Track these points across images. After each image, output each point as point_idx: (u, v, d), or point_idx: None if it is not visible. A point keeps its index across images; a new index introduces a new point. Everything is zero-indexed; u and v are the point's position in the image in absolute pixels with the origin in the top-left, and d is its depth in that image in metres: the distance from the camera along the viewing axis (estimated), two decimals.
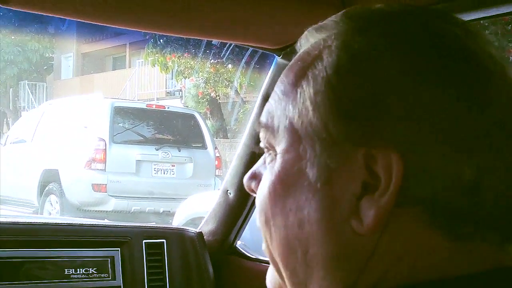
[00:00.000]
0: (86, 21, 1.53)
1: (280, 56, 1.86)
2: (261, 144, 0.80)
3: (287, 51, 1.82)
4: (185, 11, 1.53)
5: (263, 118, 0.79)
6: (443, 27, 0.73)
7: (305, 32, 0.81)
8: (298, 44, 0.83)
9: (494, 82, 0.70)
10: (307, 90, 0.73)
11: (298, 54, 0.80)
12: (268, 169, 0.77)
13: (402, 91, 0.69)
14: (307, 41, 0.80)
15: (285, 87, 0.77)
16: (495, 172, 0.68)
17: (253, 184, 0.84)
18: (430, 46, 0.71)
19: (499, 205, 0.68)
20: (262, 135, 0.80)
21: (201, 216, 5.97)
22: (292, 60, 0.80)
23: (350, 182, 0.70)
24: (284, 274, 0.76)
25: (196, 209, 6.43)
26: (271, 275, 0.82)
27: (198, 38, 2.31)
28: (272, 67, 1.93)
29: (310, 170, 0.72)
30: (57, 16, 1.50)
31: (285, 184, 0.74)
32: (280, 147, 0.75)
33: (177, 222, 6.57)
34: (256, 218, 0.80)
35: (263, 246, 0.82)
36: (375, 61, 0.70)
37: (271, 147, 0.77)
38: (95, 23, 1.55)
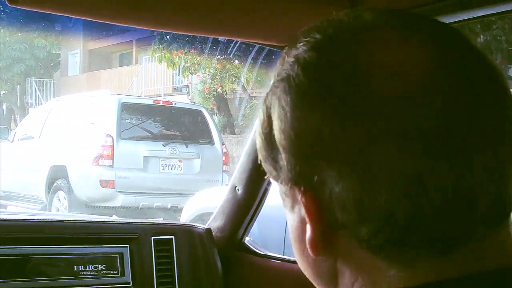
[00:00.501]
0: (93, 20, 1.53)
1: None
2: None
3: None
4: (191, 8, 1.53)
5: None
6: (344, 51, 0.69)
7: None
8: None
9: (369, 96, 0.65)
10: (276, 96, 0.72)
11: None
12: None
13: (283, 125, 0.69)
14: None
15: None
16: (377, 191, 0.65)
17: None
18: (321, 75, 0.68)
19: (412, 226, 0.65)
20: None
21: (209, 211, 5.97)
22: None
23: (301, 208, 0.71)
24: None
25: (204, 204, 6.43)
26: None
27: (204, 35, 2.32)
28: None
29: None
30: (64, 15, 1.51)
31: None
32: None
33: (185, 217, 6.58)
34: None
35: None
36: (278, 93, 0.71)
37: None
38: (102, 22, 1.56)
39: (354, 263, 0.70)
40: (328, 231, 0.68)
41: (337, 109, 0.65)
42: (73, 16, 1.53)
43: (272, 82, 0.73)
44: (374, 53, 0.67)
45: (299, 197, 0.70)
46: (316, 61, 0.69)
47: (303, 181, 0.69)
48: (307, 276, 0.76)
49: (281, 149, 0.70)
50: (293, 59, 0.70)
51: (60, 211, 10.65)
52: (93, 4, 1.45)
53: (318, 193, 0.68)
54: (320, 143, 0.66)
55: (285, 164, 0.70)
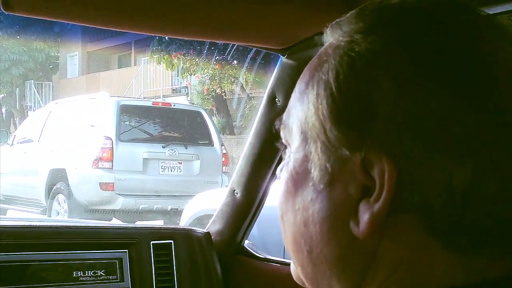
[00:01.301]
0: (89, 26, 1.53)
1: (285, 56, 1.86)
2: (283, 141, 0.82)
3: (292, 51, 1.82)
4: (190, 13, 1.53)
5: (282, 117, 0.81)
6: (454, 27, 0.71)
7: (329, 26, 0.80)
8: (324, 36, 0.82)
9: (497, 86, 0.68)
10: (312, 92, 0.74)
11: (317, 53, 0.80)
12: (285, 166, 0.79)
13: (396, 99, 0.68)
14: (327, 36, 0.80)
15: (300, 86, 0.78)
16: (491, 179, 0.66)
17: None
18: (431, 51, 0.69)
19: (496, 215, 0.67)
20: (281, 132, 0.81)
21: (209, 213, 5.99)
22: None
23: (349, 184, 0.70)
24: (298, 268, 0.78)
25: (204, 206, 6.43)
26: (291, 267, 0.83)
27: (203, 39, 2.32)
28: (277, 67, 1.92)
29: (314, 171, 0.73)
30: (60, 21, 1.51)
31: (295, 183, 0.76)
32: (293, 146, 0.77)
33: (185, 219, 6.58)
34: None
35: None
36: (373, 67, 0.70)
37: (288, 145, 0.79)
38: (99, 27, 1.56)
39: (406, 249, 0.69)
40: (393, 211, 0.68)
41: (471, 100, 0.67)
42: (69, 22, 1.53)
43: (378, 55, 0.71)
44: (493, 47, 0.71)
45: (375, 166, 0.68)
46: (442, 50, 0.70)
47: (393, 155, 0.68)
48: (313, 263, 0.74)
49: (381, 116, 0.68)
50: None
51: (60, 214, 10.67)
52: (88, 10, 1.45)
53: (402, 171, 0.67)
54: (438, 125, 0.67)
55: (377, 132, 0.68)
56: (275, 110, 1.95)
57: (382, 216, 0.68)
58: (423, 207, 0.67)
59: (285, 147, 0.81)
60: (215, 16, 1.56)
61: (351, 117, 0.70)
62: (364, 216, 0.69)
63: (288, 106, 0.80)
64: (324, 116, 0.71)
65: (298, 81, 0.79)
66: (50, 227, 2.15)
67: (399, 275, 0.69)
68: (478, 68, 0.69)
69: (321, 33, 1.62)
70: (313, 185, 0.73)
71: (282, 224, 0.79)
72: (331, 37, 0.78)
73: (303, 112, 0.75)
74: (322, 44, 0.77)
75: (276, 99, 1.94)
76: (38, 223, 2.23)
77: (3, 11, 1.38)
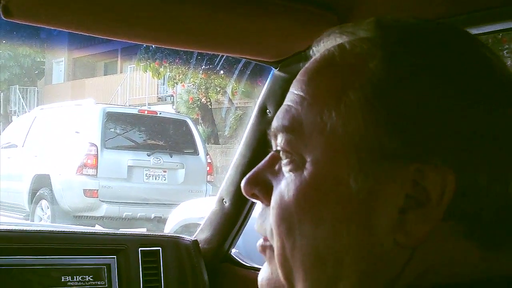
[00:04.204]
0: (88, 34, 1.55)
1: (277, 69, 1.89)
2: (277, 148, 0.78)
3: (284, 63, 1.85)
4: (183, 24, 1.55)
5: (284, 122, 0.77)
6: (476, 48, 0.75)
7: (330, 34, 0.80)
8: (320, 43, 0.81)
9: None
10: (355, 98, 0.72)
11: (322, 56, 0.78)
12: (292, 176, 0.75)
13: (455, 111, 0.69)
14: (335, 41, 0.79)
15: (316, 91, 0.75)
16: None
17: (256, 190, 0.80)
18: (471, 69, 0.72)
19: None
20: (281, 140, 0.77)
21: (194, 222, 6.00)
22: (315, 63, 0.78)
23: (394, 195, 0.69)
24: (300, 283, 0.75)
25: (189, 215, 6.44)
26: (267, 276, 0.81)
27: (196, 50, 2.34)
28: (268, 79, 1.95)
29: (352, 180, 0.71)
30: (59, 29, 1.53)
31: (319, 193, 0.72)
32: (313, 154, 0.73)
33: (169, 227, 6.58)
34: (273, 226, 0.77)
35: (260, 242, 0.82)
36: (429, 79, 0.70)
37: (296, 154, 0.75)
38: (97, 36, 1.58)
39: (443, 252, 0.70)
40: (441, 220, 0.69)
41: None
42: (67, 30, 1.54)
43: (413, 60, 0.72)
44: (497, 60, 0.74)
45: (431, 176, 0.69)
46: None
47: (452, 166, 0.68)
48: (336, 276, 0.72)
49: (439, 127, 0.69)
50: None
51: (43, 220, 10.60)
52: (88, 19, 1.47)
53: (460, 181, 0.68)
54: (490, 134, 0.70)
55: (434, 143, 0.69)
56: (266, 121, 1.97)
57: (436, 224, 0.69)
58: (472, 215, 0.69)
59: (287, 154, 0.77)
60: (210, 28, 1.58)
61: (410, 127, 0.69)
62: (417, 226, 0.69)
63: (288, 112, 0.77)
64: (380, 125, 0.70)
65: (303, 86, 0.77)
66: (39, 231, 2.16)
67: (429, 275, 0.71)
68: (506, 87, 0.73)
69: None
70: (349, 194, 0.71)
71: (290, 238, 0.74)
72: (340, 40, 0.78)
73: (338, 119, 0.72)
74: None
75: (267, 110, 1.96)
76: (26, 228, 2.24)
77: (3, 18, 1.39)
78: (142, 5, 1.42)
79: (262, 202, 0.81)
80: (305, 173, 0.73)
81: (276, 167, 0.79)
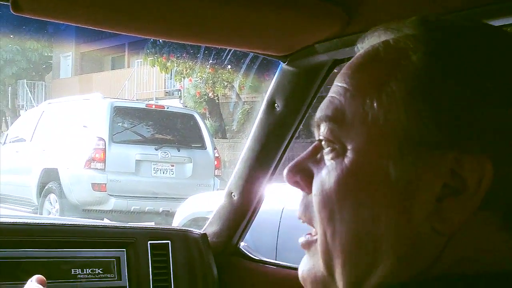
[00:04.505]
0: (97, 29, 1.56)
1: (286, 63, 1.90)
2: (320, 137, 0.81)
3: (292, 58, 1.86)
4: (191, 18, 1.56)
5: (327, 112, 0.80)
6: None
7: (375, 31, 0.83)
8: (365, 39, 0.84)
9: None
10: (397, 89, 0.74)
11: (366, 52, 0.81)
12: (333, 163, 0.78)
13: (493, 103, 0.71)
14: (379, 38, 0.82)
15: (359, 83, 0.78)
16: None
17: (298, 177, 0.83)
18: (510, 65, 0.74)
19: None
20: (323, 129, 0.80)
21: (202, 216, 6.02)
22: (359, 57, 0.81)
23: (432, 183, 0.72)
24: (340, 270, 0.77)
25: (196, 209, 6.45)
26: (308, 268, 0.83)
27: (204, 45, 2.35)
28: (277, 73, 1.96)
29: (392, 168, 0.73)
30: (68, 23, 1.54)
31: (359, 179, 0.75)
32: (354, 142, 0.76)
33: (177, 221, 6.60)
34: (315, 213, 0.80)
35: (306, 238, 0.84)
36: (469, 72, 0.73)
37: (338, 142, 0.78)
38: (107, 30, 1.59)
39: (477, 239, 0.72)
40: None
41: None
42: (75, 25, 1.55)
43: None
44: None
45: (469, 165, 0.71)
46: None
47: (490, 155, 0.70)
48: (375, 258, 0.75)
49: (479, 117, 0.71)
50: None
51: (51, 214, 10.63)
52: (96, 13, 1.48)
53: (498, 170, 0.71)
54: None
55: (475, 132, 0.71)
56: (274, 115, 1.98)
57: (471, 213, 0.71)
58: (508, 206, 0.71)
59: (327, 143, 0.79)
60: (218, 22, 1.59)
61: (451, 117, 0.71)
62: (453, 214, 0.71)
63: (331, 103, 0.80)
64: (421, 115, 0.72)
65: (347, 78, 0.80)
66: (50, 224, 2.17)
67: (464, 263, 0.73)
68: None
69: (322, 41, 1.67)
70: (388, 181, 0.73)
71: (331, 223, 0.77)
72: (384, 37, 0.81)
73: (379, 109, 0.75)
74: (323, 52, 0.79)
75: (276, 104, 1.97)
76: (37, 221, 2.25)
77: (13, 12, 1.40)
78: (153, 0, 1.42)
79: (303, 190, 0.83)
80: (346, 160, 0.76)
81: (318, 156, 0.82)
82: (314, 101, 1.89)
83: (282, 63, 1.91)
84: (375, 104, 0.75)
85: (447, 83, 0.72)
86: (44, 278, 1.32)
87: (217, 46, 2.58)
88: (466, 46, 0.75)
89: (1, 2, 1.40)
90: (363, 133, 0.75)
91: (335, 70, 1.82)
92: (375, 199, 0.74)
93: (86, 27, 1.56)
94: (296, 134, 2.00)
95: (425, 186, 0.72)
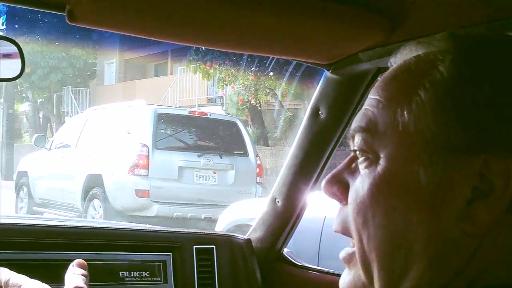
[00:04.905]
0: (149, 38, 1.60)
1: (330, 71, 1.92)
2: (354, 148, 0.84)
3: (337, 66, 1.88)
4: (238, 28, 1.58)
5: (361, 123, 0.83)
6: None
7: (406, 46, 0.87)
8: (397, 55, 0.88)
9: None
10: (425, 98, 0.77)
11: (398, 65, 0.85)
12: (367, 172, 0.81)
13: None
14: (410, 52, 0.86)
15: (391, 94, 0.82)
16: None
17: (335, 188, 0.87)
18: None
19: None
20: (358, 140, 0.83)
21: (244, 223, 6.04)
22: (392, 71, 0.85)
23: (462, 187, 0.74)
24: (376, 274, 0.80)
25: (239, 215, 6.47)
26: (349, 279, 0.86)
27: (251, 53, 2.38)
28: (321, 81, 1.98)
29: (422, 173, 0.76)
30: (121, 33, 1.57)
31: (391, 185, 0.78)
32: (386, 150, 0.79)
33: (220, 227, 6.63)
34: (350, 221, 0.83)
35: (346, 251, 0.87)
36: (495, 79, 0.76)
37: (371, 151, 0.81)
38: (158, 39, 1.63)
39: (506, 239, 0.75)
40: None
41: None
42: (128, 34, 1.59)
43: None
44: None
45: (496, 168, 0.73)
46: None
47: None
48: (407, 262, 0.77)
49: (506, 120, 0.74)
50: None
51: (95, 219, 10.73)
52: (149, 23, 1.51)
53: None
54: None
55: (502, 136, 0.74)
56: (318, 122, 2.01)
57: (499, 215, 0.74)
58: None
59: (362, 153, 0.83)
60: (264, 31, 1.61)
61: (478, 121, 0.74)
62: (482, 216, 0.74)
63: (365, 114, 0.83)
64: (449, 120, 0.75)
65: (379, 91, 0.83)
66: (99, 228, 2.22)
67: (496, 268, 0.75)
68: None
69: (366, 50, 1.69)
70: (419, 186, 0.76)
71: (365, 230, 0.80)
72: (416, 52, 0.84)
73: (409, 117, 0.78)
74: (366, 60, 0.83)
75: (320, 112, 1.99)
76: (87, 224, 2.30)
77: (68, 22, 1.44)
78: (201, 9, 1.45)
79: (340, 201, 0.87)
80: (379, 168, 0.80)
81: (353, 166, 0.86)
82: (358, 108, 1.91)
83: (326, 71, 1.93)
84: (405, 113, 0.78)
85: (473, 90, 0.75)
86: (85, 262, 1.35)
87: (262, 55, 2.60)
88: (491, 55, 0.78)
89: (58, 13, 1.44)
90: (395, 141, 0.79)
91: (378, 78, 1.84)
92: (407, 204, 0.77)
93: (137, 36, 1.60)
94: (340, 142, 2.02)
95: (455, 189, 0.75)
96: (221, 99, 20.11)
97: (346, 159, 0.87)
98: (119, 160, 10.78)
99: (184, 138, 11.42)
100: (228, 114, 16.80)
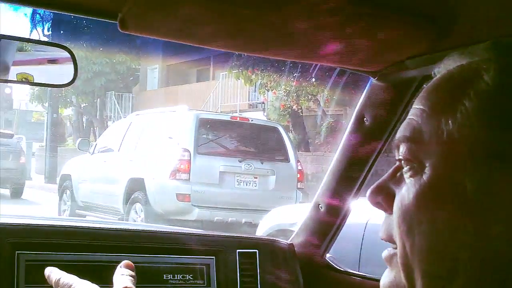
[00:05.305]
0: (197, 45, 1.62)
1: (376, 78, 1.92)
2: (399, 157, 0.85)
3: (383, 73, 1.88)
4: (284, 36, 1.59)
5: (406, 133, 0.84)
6: None
7: (450, 56, 0.88)
8: (441, 65, 0.89)
9: None
10: (470, 107, 0.78)
11: (442, 75, 0.86)
12: (412, 181, 0.81)
13: None
14: (454, 62, 0.86)
15: (435, 104, 0.82)
16: None
17: (380, 198, 0.88)
18: None
19: None
20: (403, 149, 0.84)
21: (285, 228, 6.04)
22: (436, 80, 0.86)
23: (507, 193, 0.75)
24: (420, 281, 0.80)
25: (280, 220, 6.48)
26: (390, 278, 0.87)
27: (295, 61, 2.39)
28: (366, 88, 1.98)
29: (468, 182, 0.76)
30: (171, 40, 1.60)
31: (437, 193, 0.78)
32: (431, 159, 0.80)
33: (261, 232, 6.64)
34: (395, 228, 0.84)
35: (389, 251, 0.87)
36: None
37: (416, 160, 0.81)
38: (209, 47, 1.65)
39: None
40: None
41: None
42: (176, 41, 1.61)
43: None
44: None
45: None
46: None
47: None
48: (456, 270, 0.77)
49: None
50: None
51: (136, 222, 10.82)
52: (199, 30, 1.53)
53: None
54: None
55: None
56: (363, 129, 2.01)
57: None
58: None
59: (407, 163, 0.83)
60: (310, 39, 1.61)
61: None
62: None
63: (409, 124, 0.84)
64: (495, 129, 0.76)
65: (423, 100, 0.84)
66: (143, 231, 2.24)
67: None
68: None
69: (412, 57, 1.69)
70: (464, 194, 0.76)
71: (410, 237, 0.80)
72: (460, 62, 0.85)
73: (454, 126, 0.78)
74: (413, 68, 0.83)
75: (365, 119, 2.00)
76: (132, 227, 2.33)
77: (120, 30, 1.47)
78: (251, 19, 1.47)
79: (385, 210, 0.88)
80: (424, 177, 0.80)
81: (398, 175, 0.86)
82: (403, 116, 1.91)
83: (372, 78, 1.94)
84: (450, 122, 0.79)
85: None
86: (132, 264, 1.37)
87: (308, 62, 2.62)
88: None
89: (110, 21, 1.47)
90: (440, 150, 0.79)
91: (424, 86, 1.84)
92: (452, 212, 0.77)
93: (188, 44, 1.62)
94: (384, 149, 2.03)
95: (500, 196, 0.75)
96: (263, 104, 20.14)
97: (391, 169, 0.88)
98: (161, 164, 10.86)
99: (225, 143, 11.48)
100: (270, 119, 16.82)
